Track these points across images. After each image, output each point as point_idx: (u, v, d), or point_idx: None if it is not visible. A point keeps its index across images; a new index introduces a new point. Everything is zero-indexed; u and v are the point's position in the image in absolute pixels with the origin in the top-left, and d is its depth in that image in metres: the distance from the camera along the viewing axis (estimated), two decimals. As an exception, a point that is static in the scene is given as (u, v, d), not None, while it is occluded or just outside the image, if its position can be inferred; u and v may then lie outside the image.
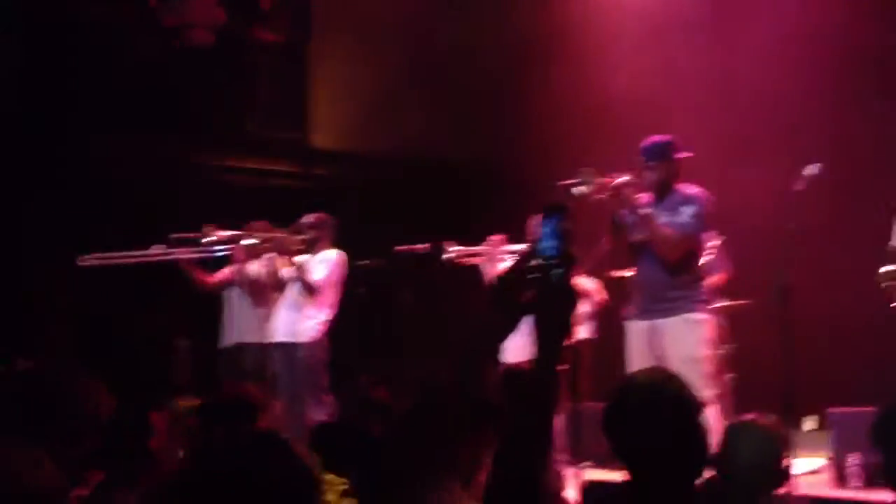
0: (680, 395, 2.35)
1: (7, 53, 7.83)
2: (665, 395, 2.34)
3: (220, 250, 6.73)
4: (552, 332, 2.26)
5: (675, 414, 2.32)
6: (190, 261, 6.71)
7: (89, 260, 6.52)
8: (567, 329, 2.36)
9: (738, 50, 7.17)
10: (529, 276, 2.29)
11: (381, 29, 8.42)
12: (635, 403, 2.36)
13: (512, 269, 2.62)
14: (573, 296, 2.30)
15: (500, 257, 6.02)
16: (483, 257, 6.03)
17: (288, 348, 6.50)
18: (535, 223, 5.86)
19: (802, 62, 6.89)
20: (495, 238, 6.04)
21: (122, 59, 8.20)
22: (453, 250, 6.01)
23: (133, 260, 6.61)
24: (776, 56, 7.00)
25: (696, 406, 2.37)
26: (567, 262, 2.22)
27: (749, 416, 2.92)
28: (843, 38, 6.75)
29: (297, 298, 6.53)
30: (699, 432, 2.34)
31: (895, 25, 6.77)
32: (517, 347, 5.89)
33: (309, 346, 6.45)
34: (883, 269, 4.26)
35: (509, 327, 2.63)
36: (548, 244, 2.35)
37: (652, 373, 2.49)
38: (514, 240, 6.04)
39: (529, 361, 5.79)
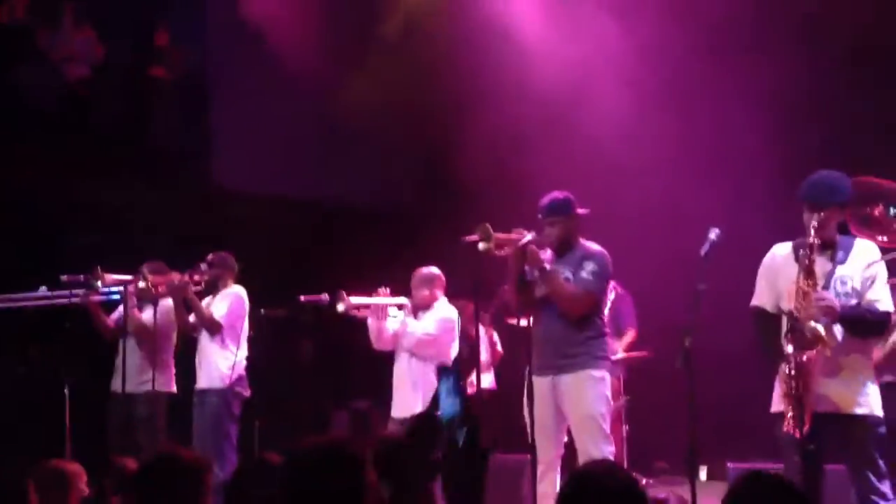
0: (630, 490, 2.38)
1: None
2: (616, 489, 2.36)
3: (111, 292, 6.54)
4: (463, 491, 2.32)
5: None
6: (94, 303, 6.53)
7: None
8: (479, 488, 2.44)
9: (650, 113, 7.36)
10: (433, 439, 2.37)
11: (282, 73, 8.35)
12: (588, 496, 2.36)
13: (416, 428, 2.71)
14: (482, 455, 2.38)
15: (387, 312, 6.06)
16: (371, 311, 6.04)
17: (203, 394, 6.42)
18: (418, 276, 6.00)
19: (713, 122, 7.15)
20: (381, 290, 6.08)
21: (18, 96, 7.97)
22: (347, 303, 5.97)
23: (34, 303, 6.48)
24: (687, 111, 7.24)
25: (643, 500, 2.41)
26: (470, 421, 2.29)
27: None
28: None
29: (207, 343, 6.46)
30: None
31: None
32: (404, 401, 5.90)
33: (222, 393, 6.35)
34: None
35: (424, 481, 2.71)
36: (448, 402, 2.40)
37: (604, 467, 2.51)
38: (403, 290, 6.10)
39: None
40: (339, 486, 2.44)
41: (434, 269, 6.13)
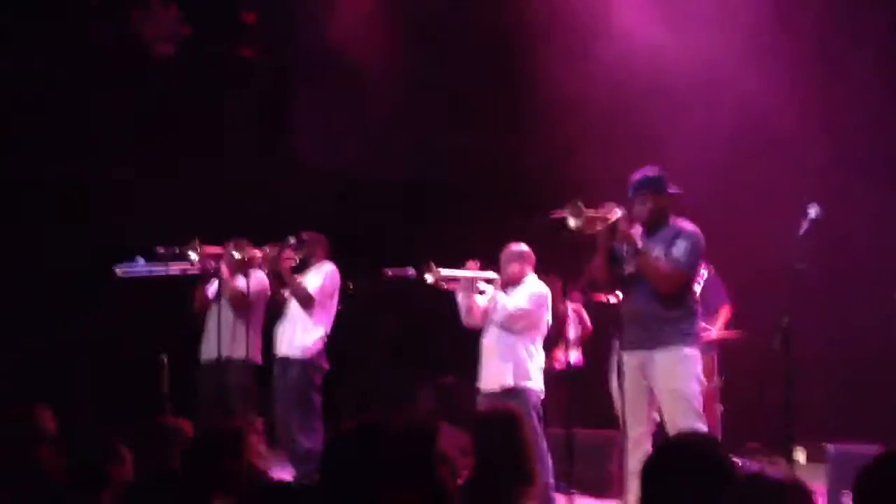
0: (720, 460, 2.31)
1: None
2: (705, 458, 2.28)
3: (208, 265, 6.65)
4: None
5: (713, 479, 2.27)
6: (205, 276, 6.66)
7: (124, 271, 6.59)
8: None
9: (750, 88, 7.13)
10: None
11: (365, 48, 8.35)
12: (674, 464, 2.32)
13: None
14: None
15: (476, 286, 6.02)
16: (461, 284, 5.99)
17: (285, 363, 6.53)
18: (508, 252, 5.92)
19: (811, 101, 6.89)
20: (471, 264, 6.04)
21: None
22: (436, 274, 5.95)
23: (154, 273, 6.62)
24: (787, 97, 6.99)
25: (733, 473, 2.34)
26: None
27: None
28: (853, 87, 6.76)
29: (297, 314, 6.54)
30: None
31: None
32: (491, 374, 5.88)
33: (304, 364, 6.46)
34: None
35: None
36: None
37: (694, 438, 2.44)
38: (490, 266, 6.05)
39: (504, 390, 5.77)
40: (411, 456, 2.42)
41: (524, 246, 6.04)
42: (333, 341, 6.65)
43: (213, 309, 6.66)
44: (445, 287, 6.03)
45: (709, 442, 2.44)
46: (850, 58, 6.90)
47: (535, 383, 5.84)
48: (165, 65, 8.57)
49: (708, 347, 6.30)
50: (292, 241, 6.59)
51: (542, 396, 5.87)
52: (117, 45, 8.38)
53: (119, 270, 6.62)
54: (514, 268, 5.98)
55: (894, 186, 3.98)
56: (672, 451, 2.41)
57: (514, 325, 5.87)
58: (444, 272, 6.00)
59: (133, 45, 8.48)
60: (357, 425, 2.60)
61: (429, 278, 5.96)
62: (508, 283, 5.98)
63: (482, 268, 6.06)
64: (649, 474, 2.40)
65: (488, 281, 6.03)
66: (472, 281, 6.01)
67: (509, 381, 5.79)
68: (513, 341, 5.86)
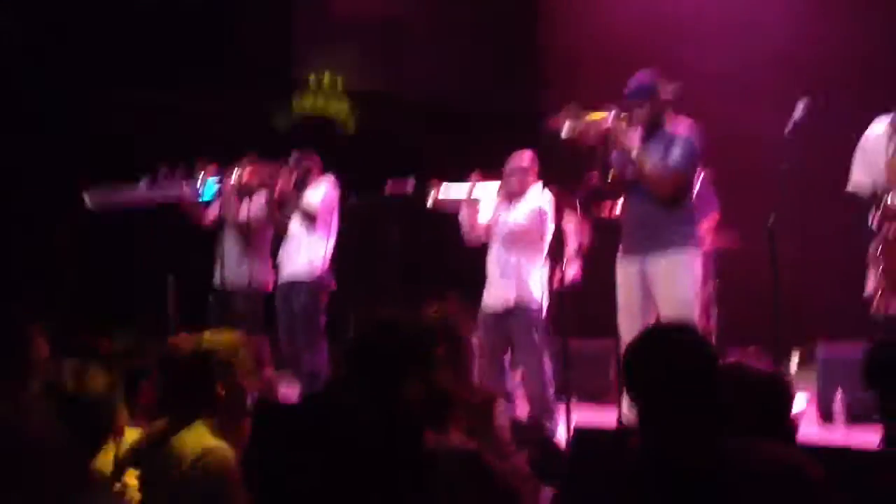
0: (700, 345, 2.37)
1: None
2: (689, 341, 2.35)
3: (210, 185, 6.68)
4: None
5: (701, 361, 2.33)
6: (192, 197, 6.65)
7: (96, 197, 6.53)
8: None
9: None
10: None
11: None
12: (654, 349, 2.37)
13: None
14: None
15: (478, 206, 5.98)
16: (463, 204, 5.98)
17: (291, 287, 6.54)
18: (512, 162, 5.90)
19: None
20: (475, 176, 5.99)
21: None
22: (436, 195, 5.95)
23: (137, 198, 6.59)
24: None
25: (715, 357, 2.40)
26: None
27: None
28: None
29: (300, 233, 6.54)
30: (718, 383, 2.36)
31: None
32: (493, 293, 5.91)
33: (311, 286, 6.47)
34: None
35: None
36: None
37: (676, 325, 2.49)
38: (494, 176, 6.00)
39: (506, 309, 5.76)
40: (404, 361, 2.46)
41: (527, 155, 5.94)
42: (338, 260, 6.70)
43: (221, 234, 6.73)
44: (448, 208, 6.02)
45: (687, 328, 2.46)
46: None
47: (537, 300, 5.84)
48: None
49: (704, 252, 6.35)
50: (291, 161, 6.63)
51: (543, 312, 5.88)
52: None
53: (89, 199, 6.57)
54: (516, 179, 5.92)
55: (886, 91, 4.02)
56: (652, 337, 2.46)
57: (516, 241, 5.84)
58: (445, 189, 5.98)
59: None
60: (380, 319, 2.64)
61: (430, 203, 5.96)
62: (511, 196, 5.92)
63: (484, 178, 5.98)
64: (630, 361, 2.46)
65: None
66: (475, 202, 5.95)
67: (510, 301, 5.82)
68: (515, 259, 5.84)
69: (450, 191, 6.03)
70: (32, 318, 3.26)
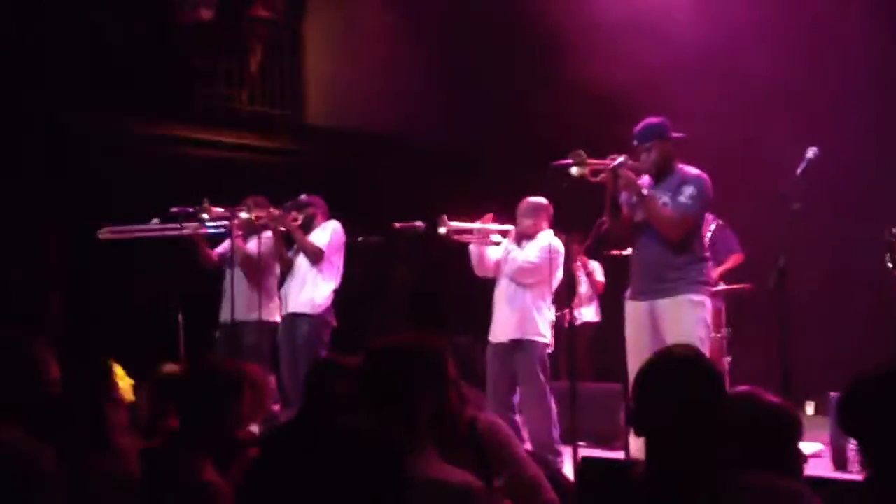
0: (710, 370, 2.34)
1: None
2: (697, 367, 2.31)
3: (218, 226, 6.75)
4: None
5: (704, 387, 2.30)
6: (200, 235, 6.74)
7: (106, 233, 6.63)
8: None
9: (740, 30, 7.11)
10: None
11: (376, 8, 8.38)
12: (672, 372, 2.34)
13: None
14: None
15: (490, 238, 6.05)
16: (474, 236, 6.01)
17: (293, 320, 6.60)
18: (524, 205, 5.94)
19: (805, 46, 6.85)
20: (487, 217, 6.06)
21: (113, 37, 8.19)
22: (448, 226, 6.00)
23: (147, 234, 6.69)
24: (779, 38, 6.94)
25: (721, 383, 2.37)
26: None
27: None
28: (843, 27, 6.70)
29: (305, 271, 6.63)
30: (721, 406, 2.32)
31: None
32: (500, 325, 5.90)
33: (314, 319, 6.55)
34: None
35: None
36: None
37: (685, 347, 2.46)
38: (503, 221, 6.08)
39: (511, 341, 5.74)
40: (421, 375, 2.40)
41: (542, 199, 6.02)
42: (345, 299, 6.73)
43: (227, 272, 6.77)
44: (460, 239, 6.07)
45: (694, 352, 2.44)
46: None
47: (543, 336, 5.88)
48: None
49: (715, 299, 6.32)
50: (299, 200, 6.70)
51: (550, 350, 5.92)
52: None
53: (104, 233, 6.65)
54: (528, 221, 5.99)
55: (888, 126, 3.98)
56: (660, 361, 2.44)
57: (525, 278, 5.89)
58: (457, 224, 6.04)
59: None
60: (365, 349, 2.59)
61: (442, 230, 6.00)
62: (523, 237, 5.98)
63: (497, 222, 6.09)
64: (641, 383, 2.44)
65: (503, 234, 6.07)
66: (486, 233, 6.04)
67: (516, 333, 5.84)
68: (522, 294, 5.89)
69: (460, 225, 6.07)
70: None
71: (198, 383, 3.05)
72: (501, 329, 5.93)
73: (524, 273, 5.90)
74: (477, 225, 6.04)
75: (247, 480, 1.49)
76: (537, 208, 6.02)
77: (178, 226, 6.68)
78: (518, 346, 5.83)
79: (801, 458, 2.68)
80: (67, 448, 2.65)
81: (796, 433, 2.67)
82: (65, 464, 2.23)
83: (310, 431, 1.55)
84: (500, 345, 5.90)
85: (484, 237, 6.03)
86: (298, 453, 1.49)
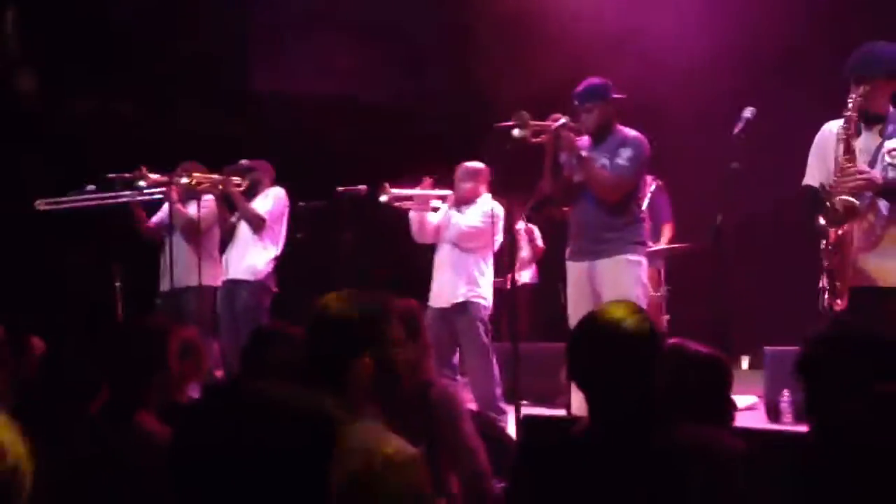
0: (644, 324, 2.38)
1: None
2: (630, 325, 2.35)
3: (156, 192, 6.66)
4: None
5: (641, 342, 2.34)
6: (137, 203, 6.65)
7: (43, 204, 6.54)
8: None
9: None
10: None
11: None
12: (602, 330, 2.37)
13: None
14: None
15: (430, 204, 6.06)
16: (414, 202, 6.03)
17: (233, 286, 6.55)
18: (462, 170, 5.97)
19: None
20: (427, 181, 6.06)
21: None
22: (389, 194, 6.00)
23: (85, 204, 6.57)
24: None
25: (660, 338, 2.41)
26: None
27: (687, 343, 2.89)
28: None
29: (246, 237, 6.56)
30: (660, 363, 2.36)
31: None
32: (442, 290, 5.94)
33: (254, 285, 6.50)
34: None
35: None
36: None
37: (623, 306, 2.48)
38: (442, 185, 6.09)
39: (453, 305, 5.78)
40: (363, 337, 2.32)
41: (479, 164, 6.04)
42: (289, 265, 6.69)
43: (166, 238, 6.68)
44: (400, 206, 6.08)
45: (631, 307, 2.46)
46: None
47: (485, 299, 5.92)
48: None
49: (654, 259, 6.42)
50: (241, 165, 6.62)
51: (490, 311, 5.96)
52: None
53: (40, 204, 6.56)
54: (467, 185, 6.01)
55: (824, 91, 4.09)
56: (591, 322, 2.46)
57: (467, 242, 5.92)
58: (398, 191, 6.05)
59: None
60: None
61: (383, 198, 6.01)
62: (462, 202, 6.01)
63: (436, 187, 6.11)
64: (573, 347, 2.47)
65: (442, 199, 6.09)
66: (426, 199, 6.05)
67: (459, 297, 5.88)
68: (464, 258, 5.93)
69: (401, 192, 6.07)
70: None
71: (123, 337, 3.06)
72: (443, 293, 5.96)
73: (467, 237, 5.93)
74: (417, 191, 6.04)
75: (172, 443, 1.45)
76: (475, 172, 6.04)
77: (114, 194, 6.60)
78: (461, 309, 5.87)
79: (732, 406, 2.76)
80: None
81: (726, 381, 2.75)
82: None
83: (235, 397, 1.51)
84: (441, 309, 5.92)
85: (424, 203, 6.04)
86: (222, 419, 1.47)
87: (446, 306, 5.91)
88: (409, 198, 6.06)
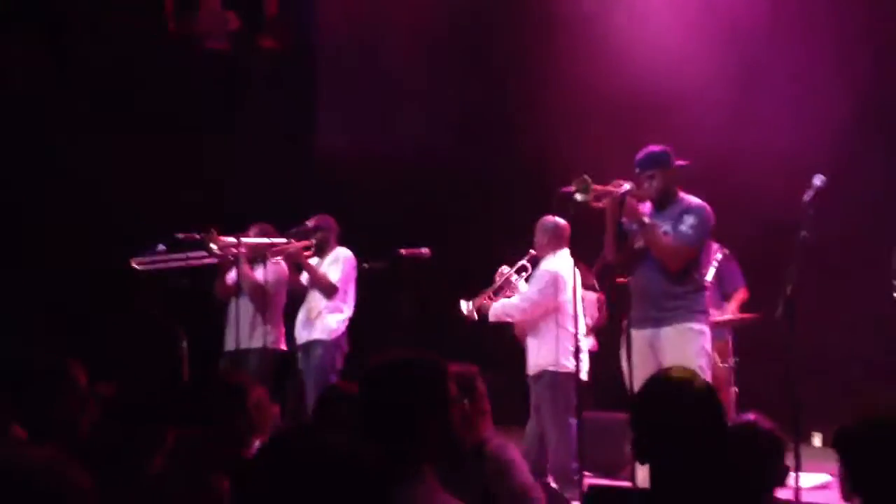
0: (708, 393, 2.33)
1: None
2: (693, 391, 2.30)
3: (225, 254, 6.71)
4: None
5: (702, 409, 2.29)
6: (227, 263, 6.69)
7: (142, 262, 6.64)
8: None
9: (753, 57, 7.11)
10: None
11: (387, 32, 8.43)
12: (664, 396, 2.34)
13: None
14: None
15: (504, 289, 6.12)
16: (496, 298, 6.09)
17: (307, 347, 6.65)
18: (541, 225, 5.94)
19: (812, 75, 6.85)
20: (503, 269, 6.14)
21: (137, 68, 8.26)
22: (469, 310, 6.07)
23: (174, 264, 6.67)
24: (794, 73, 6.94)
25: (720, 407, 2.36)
26: None
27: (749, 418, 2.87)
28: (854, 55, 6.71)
29: (321, 299, 6.65)
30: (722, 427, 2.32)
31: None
32: (528, 358, 5.92)
33: (326, 345, 6.58)
34: None
35: None
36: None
37: (683, 370, 2.44)
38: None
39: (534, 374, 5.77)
40: (420, 397, 2.32)
41: (556, 220, 5.88)
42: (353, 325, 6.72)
43: (233, 299, 6.73)
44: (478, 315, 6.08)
45: (690, 374, 2.42)
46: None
47: (561, 364, 5.80)
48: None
49: (722, 330, 6.28)
50: (306, 227, 6.69)
51: (575, 377, 5.68)
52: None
53: (137, 263, 6.66)
54: (539, 239, 5.99)
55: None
56: (656, 385, 2.42)
57: (531, 315, 5.93)
58: (478, 302, 6.04)
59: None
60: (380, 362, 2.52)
61: (464, 308, 6.04)
62: (539, 258, 6.00)
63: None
64: (638, 408, 2.42)
65: (522, 269, 6.12)
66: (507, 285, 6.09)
67: (536, 367, 5.90)
68: (536, 326, 5.95)
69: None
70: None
71: (202, 388, 3.06)
72: (529, 362, 6.01)
73: (527, 312, 5.95)
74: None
75: (232, 489, 1.46)
76: (547, 226, 5.96)
77: (183, 255, 6.68)
78: (539, 378, 5.90)
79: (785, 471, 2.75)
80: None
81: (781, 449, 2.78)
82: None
83: (292, 448, 1.51)
84: (529, 377, 5.97)
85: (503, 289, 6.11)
86: (280, 469, 1.47)
87: (530, 375, 5.95)
88: (489, 298, 6.06)
